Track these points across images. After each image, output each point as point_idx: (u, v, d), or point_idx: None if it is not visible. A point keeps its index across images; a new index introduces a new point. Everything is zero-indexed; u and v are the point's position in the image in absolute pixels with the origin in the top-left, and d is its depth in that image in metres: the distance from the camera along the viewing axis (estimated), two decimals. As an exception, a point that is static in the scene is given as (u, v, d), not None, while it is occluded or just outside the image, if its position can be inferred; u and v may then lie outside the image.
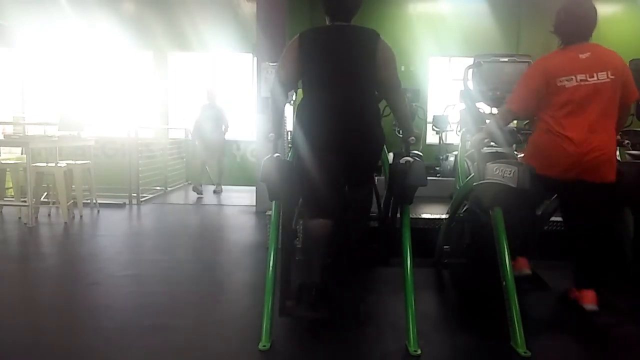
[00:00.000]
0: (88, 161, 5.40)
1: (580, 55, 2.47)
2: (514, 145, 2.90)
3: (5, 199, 5.27)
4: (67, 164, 5.04)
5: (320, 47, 2.29)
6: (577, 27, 2.50)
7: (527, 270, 2.87)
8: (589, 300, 2.52)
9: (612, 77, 2.43)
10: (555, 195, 2.96)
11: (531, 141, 2.66)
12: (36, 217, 4.92)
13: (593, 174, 2.46)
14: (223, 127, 6.96)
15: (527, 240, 2.86)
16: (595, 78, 2.43)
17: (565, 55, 2.52)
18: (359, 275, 3.20)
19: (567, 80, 2.45)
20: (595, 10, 2.49)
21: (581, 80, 2.44)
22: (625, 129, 3.19)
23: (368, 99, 2.30)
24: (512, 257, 2.63)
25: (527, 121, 3.19)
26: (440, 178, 6.14)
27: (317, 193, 2.27)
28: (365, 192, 2.48)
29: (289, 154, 2.75)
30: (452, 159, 6.46)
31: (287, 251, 2.42)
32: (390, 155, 2.71)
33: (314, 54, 2.28)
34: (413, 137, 2.35)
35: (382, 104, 2.41)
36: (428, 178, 2.31)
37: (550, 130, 2.50)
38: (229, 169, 7.86)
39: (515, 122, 3.48)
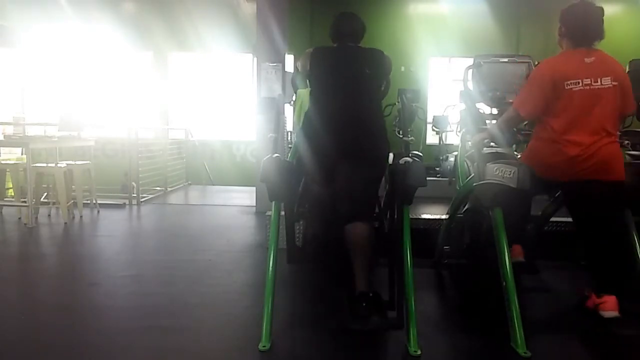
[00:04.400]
0: (88, 161, 5.40)
1: (586, 59, 2.46)
2: (514, 146, 2.90)
3: (5, 199, 5.27)
4: (67, 164, 5.03)
5: (328, 65, 2.46)
6: (584, 32, 2.49)
7: (520, 258, 2.89)
8: (610, 307, 2.35)
9: (615, 83, 2.43)
10: (556, 195, 2.96)
11: (530, 147, 2.63)
12: (36, 218, 4.91)
13: (603, 172, 2.42)
14: None
15: (523, 227, 2.84)
16: (599, 83, 2.42)
17: (571, 59, 2.50)
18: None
19: (574, 84, 2.43)
20: (602, 16, 2.48)
21: (586, 84, 2.42)
22: (625, 129, 3.18)
23: (374, 110, 2.43)
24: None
25: (526, 122, 3.17)
26: (440, 178, 6.14)
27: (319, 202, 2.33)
28: (367, 233, 2.29)
29: (289, 154, 2.75)
30: (452, 159, 6.45)
31: (290, 212, 2.72)
32: (390, 156, 2.71)
33: (323, 68, 2.45)
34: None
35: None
36: (428, 179, 2.31)
37: (551, 137, 2.47)
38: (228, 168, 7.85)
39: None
